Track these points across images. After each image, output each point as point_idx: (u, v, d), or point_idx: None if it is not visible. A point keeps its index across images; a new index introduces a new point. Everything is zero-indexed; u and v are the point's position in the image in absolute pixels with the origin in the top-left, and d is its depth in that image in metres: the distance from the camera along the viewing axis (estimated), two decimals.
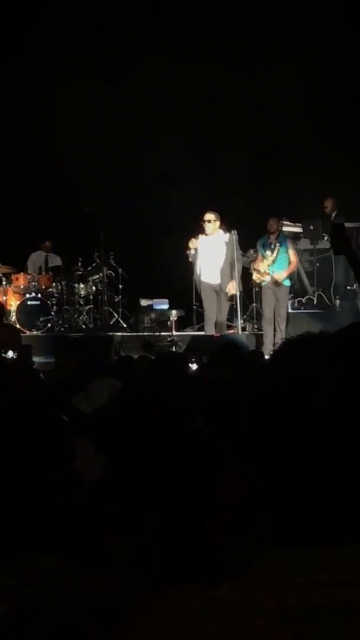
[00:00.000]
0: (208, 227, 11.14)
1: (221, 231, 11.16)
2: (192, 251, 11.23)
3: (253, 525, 1.07)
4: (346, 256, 4.66)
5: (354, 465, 0.96)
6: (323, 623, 0.95)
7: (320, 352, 1.01)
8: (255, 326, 12.36)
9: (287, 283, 11.69)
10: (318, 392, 0.97)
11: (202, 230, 11.21)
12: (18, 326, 12.43)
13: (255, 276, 11.59)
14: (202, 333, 12.28)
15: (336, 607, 0.95)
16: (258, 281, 11.63)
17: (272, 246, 11.52)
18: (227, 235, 11.15)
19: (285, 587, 0.97)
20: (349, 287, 12.47)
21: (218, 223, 11.14)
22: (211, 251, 11.12)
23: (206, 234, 11.12)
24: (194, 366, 6.14)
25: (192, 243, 11.18)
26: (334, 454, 0.97)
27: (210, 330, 11.17)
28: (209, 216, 11.20)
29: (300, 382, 0.99)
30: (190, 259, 11.34)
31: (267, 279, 11.47)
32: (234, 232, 11.12)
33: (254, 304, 12.50)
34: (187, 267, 13.01)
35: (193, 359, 6.55)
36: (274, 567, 0.98)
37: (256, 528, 1.06)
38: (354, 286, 12.02)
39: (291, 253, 11.59)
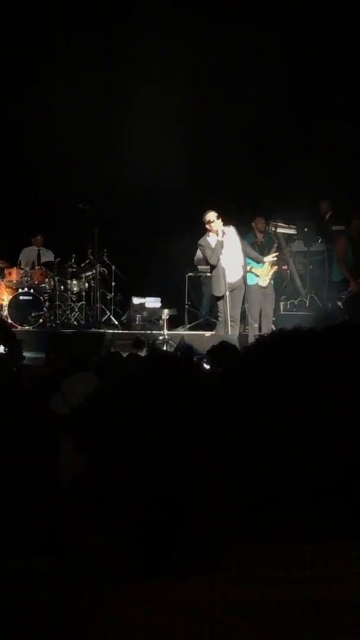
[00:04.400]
0: (219, 224, 10.74)
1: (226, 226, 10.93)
2: (221, 235, 10.74)
3: (227, 521, 1.07)
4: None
5: (326, 463, 0.97)
6: (291, 619, 0.96)
7: (294, 348, 1.01)
8: (247, 327, 12.36)
9: (272, 282, 11.78)
10: (290, 390, 0.98)
11: (204, 232, 11.02)
12: (10, 321, 12.41)
13: (259, 272, 11.53)
14: (193, 332, 12.29)
15: (305, 603, 0.96)
16: (264, 284, 11.58)
17: (265, 245, 11.59)
18: (231, 227, 10.99)
19: (254, 583, 0.97)
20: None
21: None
22: (229, 248, 10.80)
23: (223, 232, 10.68)
24: (206, 366, 6.10)
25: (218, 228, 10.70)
26: (306, 451, 0.97)
27: (221, 331, 10.98)
28: (214, 214, 10.80)
29: (271, 379, 0.99)
30: (213, 245, 10.78)
31: (272, 274, 11.53)
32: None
33: (245, 305, 12.51)
34: (181, 266, 13.03)
35: (205, 359, 6.51)
36: (244, 563, 0.98)
37: (229, 524, 1.06)
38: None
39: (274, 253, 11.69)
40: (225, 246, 10.75)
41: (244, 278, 11.04)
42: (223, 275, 10.75)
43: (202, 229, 11.01)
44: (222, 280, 10.79)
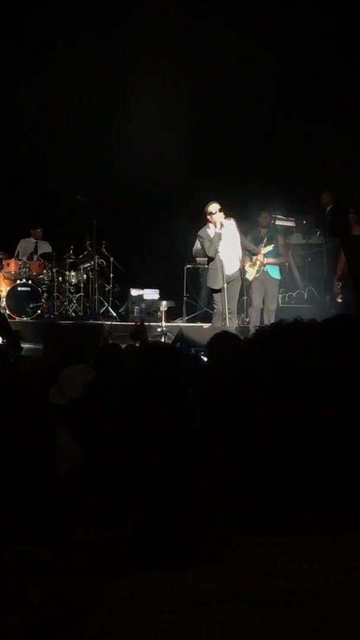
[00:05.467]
0: (220, 216, 10.72)
1: (225, 219, 10.88)
2: (219, 227, 10.77)
3: (225, 514, 1.07)
4: (341, 240, 4.70)
5: (323, 457, 0.97)
6: (288, 611, 0.95)
7: (294, 340, 1.00)
8: (247, 319, 12.36)
9: (277, 276, 11.74)
10: (290, 382, 0.97)
11: (204, 217, 10.98)
12: (8, 312, 12.42)
13: (247, 267, 11.53)
14: (191, 324, 12.29)
15: (302, 595, 0.96)
16: (250, 277, 11.61)
17: (263, 240, 11.58)
18: (232, 221, 10.98)
19: (252, 575, 0.97)
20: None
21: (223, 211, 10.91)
22: (227, 241, 10.80)
23: (222, 225, 10.67)
24: (204, 358, 6.09)
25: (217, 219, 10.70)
26: (305, 443, 0.97)
27: (218, 323, 10.99)
28: (217, 206, 10.77)
29: (271, 371, 0.99)
30: (211, 238, 10.78)
31: (257, 269, 11.49)
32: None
33: (244, 297, 12.50)
34: (180, 258, 13.02)
35: (203, 352, 6.49)
36: (241, 555, 0.98)
37: (226, 517, 1.06)
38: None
39: (281, 247, 11.65)
40: (223, 238, 10.75)
41: (241, 271, 11.04)
42: (221, 268, 10.74)
43: (203, 220, 10.99)
44: (219, 273, 10.78)
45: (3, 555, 1.41)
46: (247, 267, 11.52)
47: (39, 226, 13.86)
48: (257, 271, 11.56)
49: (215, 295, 11.03)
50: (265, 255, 11.53)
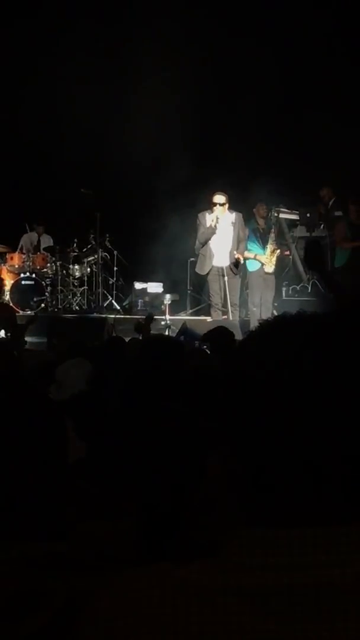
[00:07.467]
0: (220, 210, 10.84)
1: (228, 212, 11.00)
2: (214, 222, 10.87)
3: (229, 507, 1.07)
4: (319, 273, 4.68)
5: (327, 448, 0.96)
6: (293, 605, 0.95)
7: (296, 333, 1.00)
8: (249, 313, 12.36)
9: (270, 270, 11.79)
10: (291, 374, 0.97)
11: (208, 208, 10.98)
12: (12, 305, 12.43)
13: (264, 259, 11.52)
14: (195, 318, 12.29)
15: (306, 588, 0.96)
16: (270, 270, 11.58)
17: (262, 232, 11.59)
18: (234, 215, 11.02)
19: (256, 568, 0.97)
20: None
21: (227, 205, 11.02)
22: (220, 233, 10.90)
23: (217, 218, 10.80)
24: (208, 351, 6.10)
25: (215, 215, 10.83)
26: (307, 436, 0.97)
27: (216, 315, 11.05)
28: (222, 198, 10.90)
29: (275, 365, 0.99)
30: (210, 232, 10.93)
31: (274, 262, 11.53)
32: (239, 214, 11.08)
33: (247, 290, 12.50)
34: (183, 251, 13.01)
35: (205, 346, 6.50)
36: (245, 548, 0.98)
37: (231, 509, 1.06)
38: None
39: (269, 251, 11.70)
40: (217, 232, 10.83)
41: (231, 267, 11.01)
42: (209, 256, 10.85)
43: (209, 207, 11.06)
44: (207, 260, 10.91)
45: (28, 549, 1.40)
46: (264, 260, 11.50)
47: (40, 224, 13.88)
48: (274, 262, 11.58)
49: (210, 286, 11.12)
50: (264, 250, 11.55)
